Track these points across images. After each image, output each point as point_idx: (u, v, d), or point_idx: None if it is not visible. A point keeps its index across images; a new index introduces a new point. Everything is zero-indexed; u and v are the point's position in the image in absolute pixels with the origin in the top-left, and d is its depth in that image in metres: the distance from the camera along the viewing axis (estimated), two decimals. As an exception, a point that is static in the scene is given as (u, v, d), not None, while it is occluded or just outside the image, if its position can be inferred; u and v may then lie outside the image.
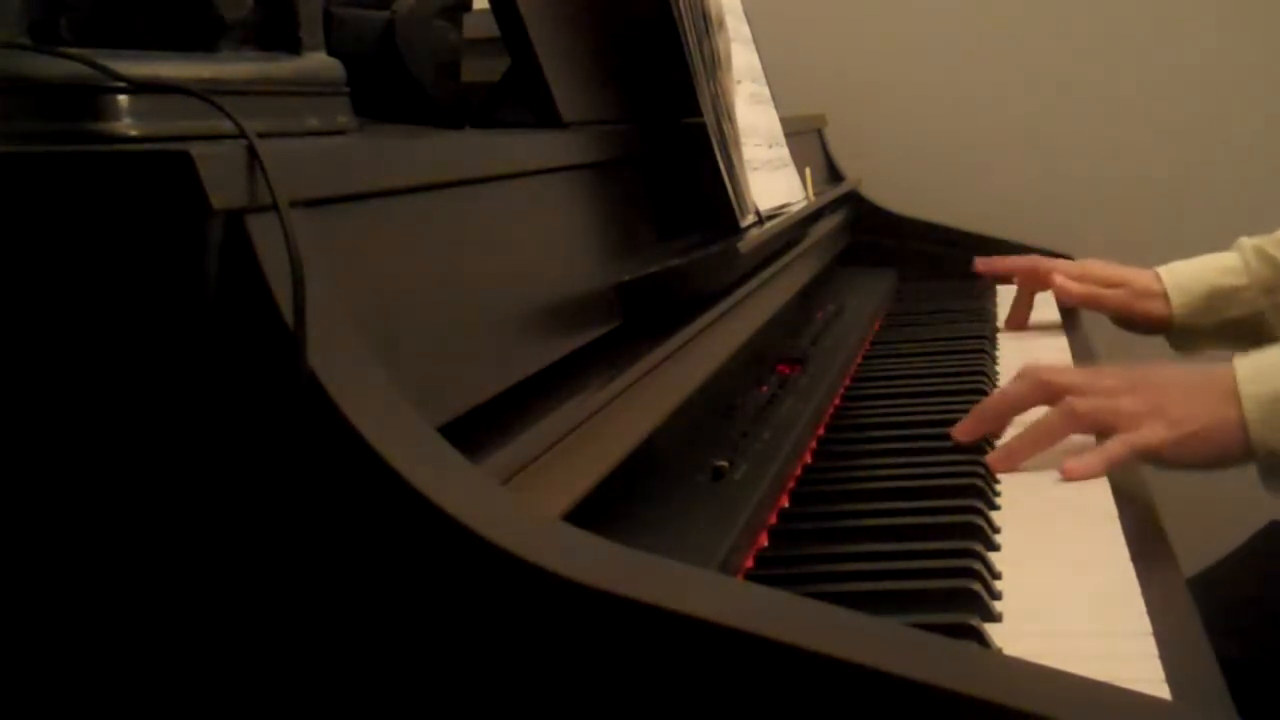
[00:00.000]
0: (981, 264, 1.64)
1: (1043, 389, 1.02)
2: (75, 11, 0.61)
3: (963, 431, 1.03)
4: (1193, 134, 2.04)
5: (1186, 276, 1.44)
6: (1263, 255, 1.40)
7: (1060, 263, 1.56)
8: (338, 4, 0.91)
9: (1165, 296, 1.44)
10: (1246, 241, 1.42)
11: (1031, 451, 1.00)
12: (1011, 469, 0.99)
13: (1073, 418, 0.99)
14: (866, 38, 2.12)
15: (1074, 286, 1.51)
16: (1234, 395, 0.95)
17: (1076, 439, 1.00)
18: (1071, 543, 0.85)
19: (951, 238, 1.88)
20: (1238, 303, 1.42)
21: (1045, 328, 1.54)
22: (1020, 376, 1.05)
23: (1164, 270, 1.46)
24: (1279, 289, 1.40)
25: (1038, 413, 1.02)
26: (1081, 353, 1.43)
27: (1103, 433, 0.99)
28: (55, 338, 0.51)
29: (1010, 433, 1.03)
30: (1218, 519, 1.38)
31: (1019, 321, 1.57)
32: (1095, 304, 1.52)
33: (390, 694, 0.49)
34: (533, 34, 0.93)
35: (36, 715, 0.53)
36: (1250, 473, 0.99)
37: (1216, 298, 1.42)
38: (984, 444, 1.03)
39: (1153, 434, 0.96)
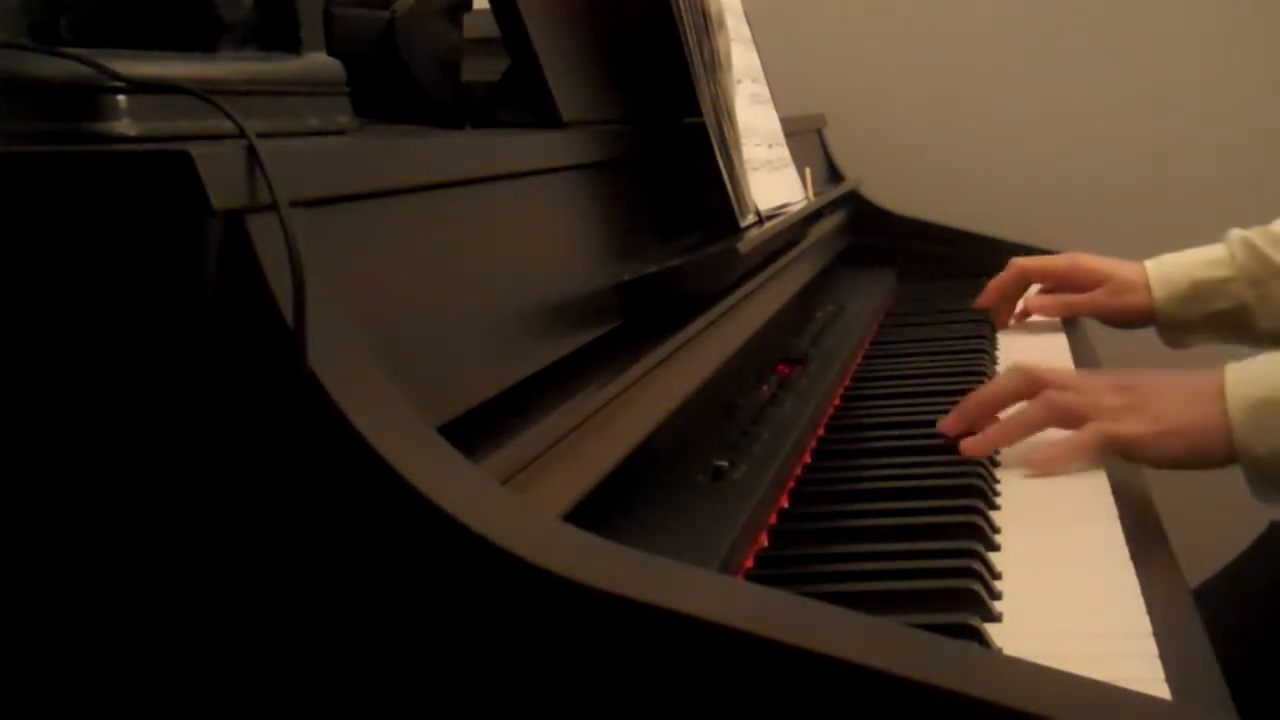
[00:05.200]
0: (981, 303, 1.62)
1: (1026, 383, 1.03)
2: (75, 11, 0.61)
3: (949, 425, 1.04)
4: (1192, 134, 2.04)
5: (1171, 268, 1.44)
6: (1250, 247, 1.40)
7: (1046, 259, 1.56)
8: (338, 4, 0.91)
9: (1148, 288, 1.44)
10: (1235, 233, 1.42)
11: (1005, 440, 1.01)
12: (984, 454, 1.00)
13: (1050, 408, 1.00)
14: (866, 38, 2.12)
15: (1048, 303, 1.52)
16: (1220, 395, 0.95)
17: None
18: (1072, 543, 0.85)
19: (951, 238, 1.88)
20: (1222, 295, 1.41)
21: (1045, 328, 1.54)
22: (1007, 371, 1.06)
23: (1150, 263, 1.46)
24: (1265, 281, 1.39)
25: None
26: (1081, 351, 1.43)
27: (1081, 425, 0.99)
28: (55, 338, 0.51)
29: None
30: (1220, 522, 1.37)
31: (1004, 320, 1.57)
32: (1072, 311, 1.52)
33: (390, 694, 0.49)
34: (533, 34, 0.93)
35: (37, 715, 0.53)
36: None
37: (1200, 290, 1.42)
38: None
39: (1130, 427, 0.96)
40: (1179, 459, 0.97)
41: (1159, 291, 1.43)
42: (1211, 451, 0.96)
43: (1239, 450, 0.94)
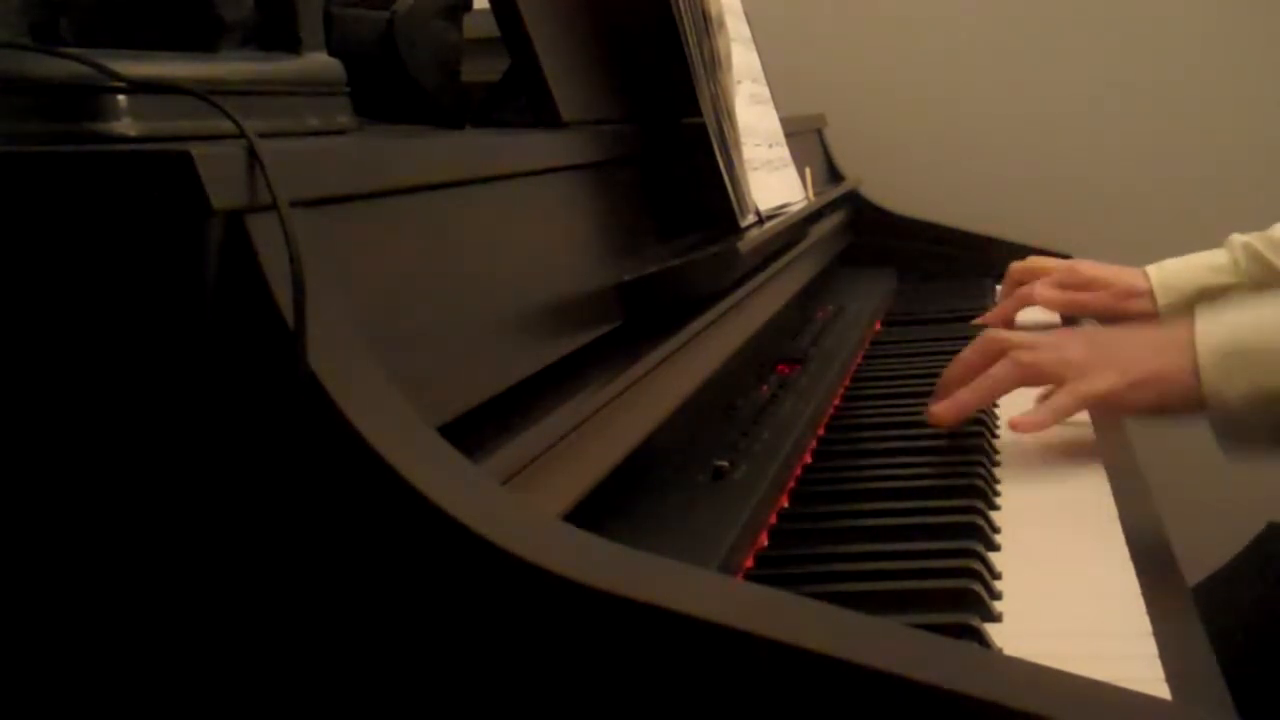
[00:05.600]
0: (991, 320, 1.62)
1: (991, 346, 1.03)
2: (75, 11, 0.61)
3: (935, 413, 1.04)
4: (1191, 134, 2.04)
5: (1174, 275, 1.45)
6: (1252, 253, 1.41)
7: (1048, 263, 1.56)
8: (338, 4, 0.91)
9: (1151, 296, 1.44)
10: (1237, 239, 1.43)
11: (977, 402, 1.02)
12: (958, 420, 1.01)
13: (1018, 368, 1.01)
14: (866, 38, 2.12)
15: (1054, 295, 1.51)
16: (1189, 344, 0.95)
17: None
18: (1071, 542, 0.85)
19: (951, 238, 1.88)
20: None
21: (1044, 328, 1.54)
22: (973, 342, 1.07)
23: (1152, 269, 1.46)
24: (1268, 287, 1.39)
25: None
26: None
27: (1051, 382, 1.01)
28: (55, 338, 0.51)
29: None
30: (1220, 522, 1.38)
31: (1004, 317, 1.55)
32: (1078, 309, 1.52)
33: (390, 694, 0.49)
34: (533, 34, 0.93)
35: (37, 715, 0.53)
36: (1251, 472, 0.99)
37: (1205, 296, 1.41)
38: (983, 444, 1.03)
39: (1102, 380, 0.97)
40: (1150, 408, 0.98)
41: (1163, 299, 1.44)
42: (1182, 398, 0.96)
43: (1209, 398, 0.95)
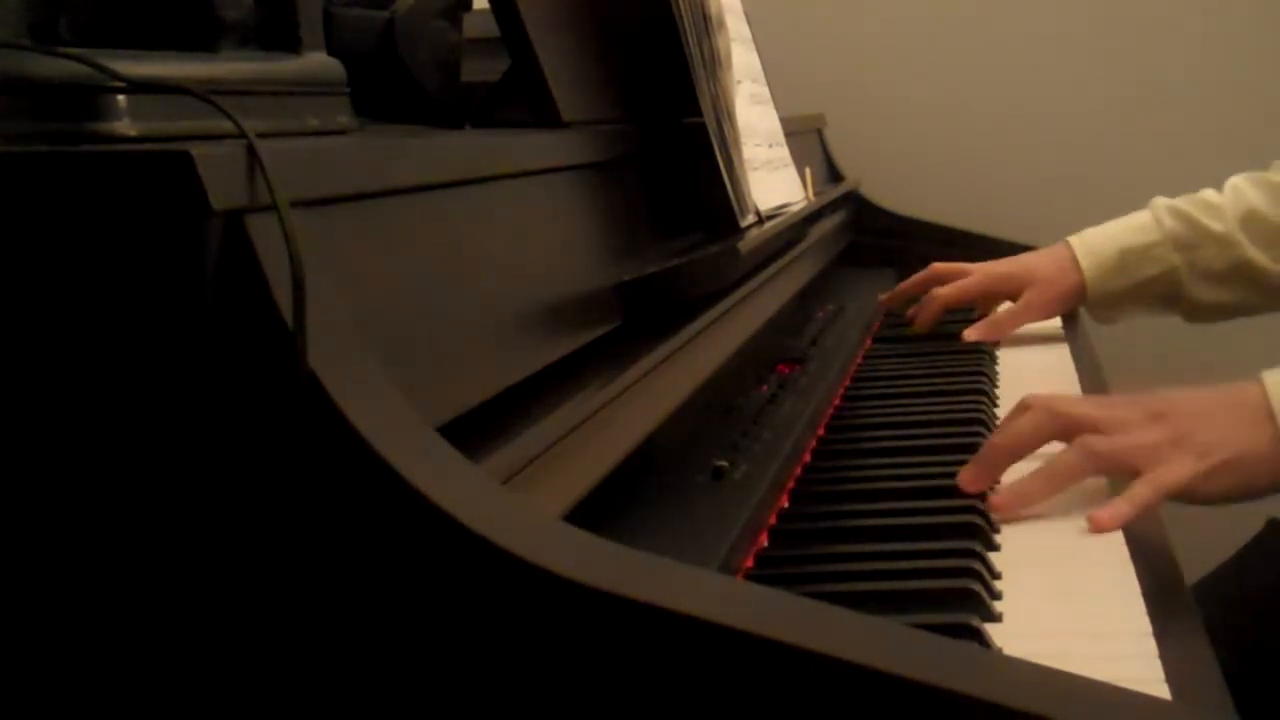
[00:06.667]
0: (883, 303, 1.56)
1: (1056, 422, 0.92)
2: (75, 11, 0.61)
3: (972, 480, 0.92)
4: (1192, 134, 2.04)
5: (1096, 240, 1.43)
6: (1177, 213, 1.39)
7: (959, 287, 1.48)
8: (338, 4, 0.91)
9: (1076, 266, 1.42)
10: (1160, 201, 1.41)
11: (1046, 494, 0.90)
12: (1020, 513, 0.89)
13: (1092, 457, 0.89)
14: (866, 38, 2.12)
15: (984, 332, 1.43)
16: (1267, 415, 0.88)
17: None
18: (1071, 542, 0.85)
19: (951, 238, 1.88)
20: (1151, 260, 1.40)
21: (1046, 330, 1.53)
22: (1028, 408, 0.94)
23: (1074, 238, 1.44)
24: (1195, 246, 1.39)
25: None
26: (1082, 355, 1.42)
27: (1124, 471, 0.90)
28: (55, 338, 0.51)
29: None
30: (1219, 520, 1.37)
31: (925, 325, 1.49)
32: (1007, 333, 1.45)
33: (390, 694, 0.49)
34: (533, 34, 0.93)
35: (37, 715, 0.53)
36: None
37: (1128, 257, 1.41)
38: (983, 444, 1.03)
39: (1181, 469, 0.87)
40: (1234, 492, 0.89)
41: (1086, 262, 1.42)
42: (1267, 480, 0.89)
43: None
